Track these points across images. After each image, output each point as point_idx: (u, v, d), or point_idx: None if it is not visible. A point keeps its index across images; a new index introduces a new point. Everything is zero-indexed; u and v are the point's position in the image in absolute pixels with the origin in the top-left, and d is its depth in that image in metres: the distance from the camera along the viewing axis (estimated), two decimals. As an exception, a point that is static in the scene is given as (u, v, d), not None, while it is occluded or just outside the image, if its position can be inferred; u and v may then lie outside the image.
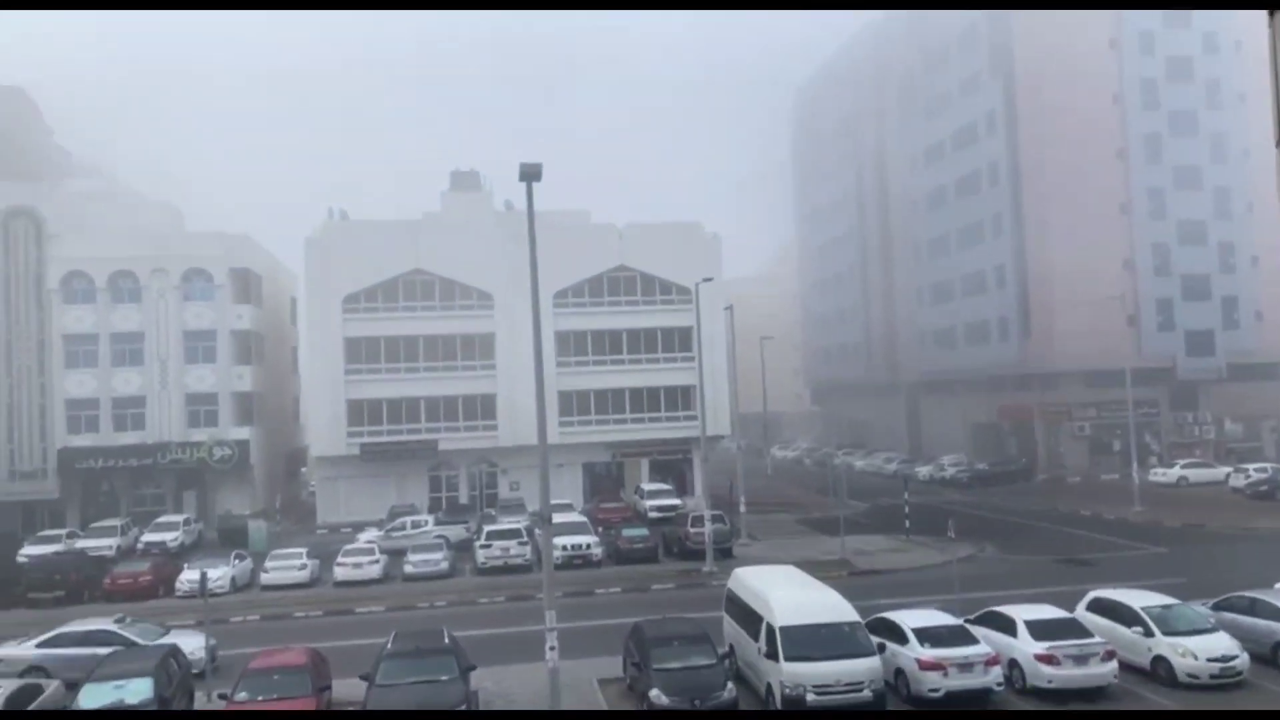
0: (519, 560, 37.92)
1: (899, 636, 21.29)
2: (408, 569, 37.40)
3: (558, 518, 34.93)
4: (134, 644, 23.87)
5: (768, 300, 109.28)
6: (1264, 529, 42.49)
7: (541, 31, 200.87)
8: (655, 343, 58.02)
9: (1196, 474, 58.53)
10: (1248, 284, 66.71)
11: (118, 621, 25.74)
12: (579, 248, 56.40)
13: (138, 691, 19.03)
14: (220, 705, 19.64)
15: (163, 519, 48.27)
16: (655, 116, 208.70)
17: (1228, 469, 57.93)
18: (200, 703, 21.71)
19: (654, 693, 19.53)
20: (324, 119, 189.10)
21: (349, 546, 39.14)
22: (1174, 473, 58.92)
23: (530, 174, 20.07)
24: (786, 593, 21.60)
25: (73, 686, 20.29)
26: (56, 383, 52.57)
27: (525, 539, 38.63)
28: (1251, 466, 56.21)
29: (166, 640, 24.15)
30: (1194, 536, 41.82)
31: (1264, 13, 15.70)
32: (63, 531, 46.07)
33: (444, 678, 19.56)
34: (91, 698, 18.90)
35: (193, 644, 24.00)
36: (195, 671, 22.78)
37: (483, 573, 37.69)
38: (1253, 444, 66.82)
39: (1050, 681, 20.57)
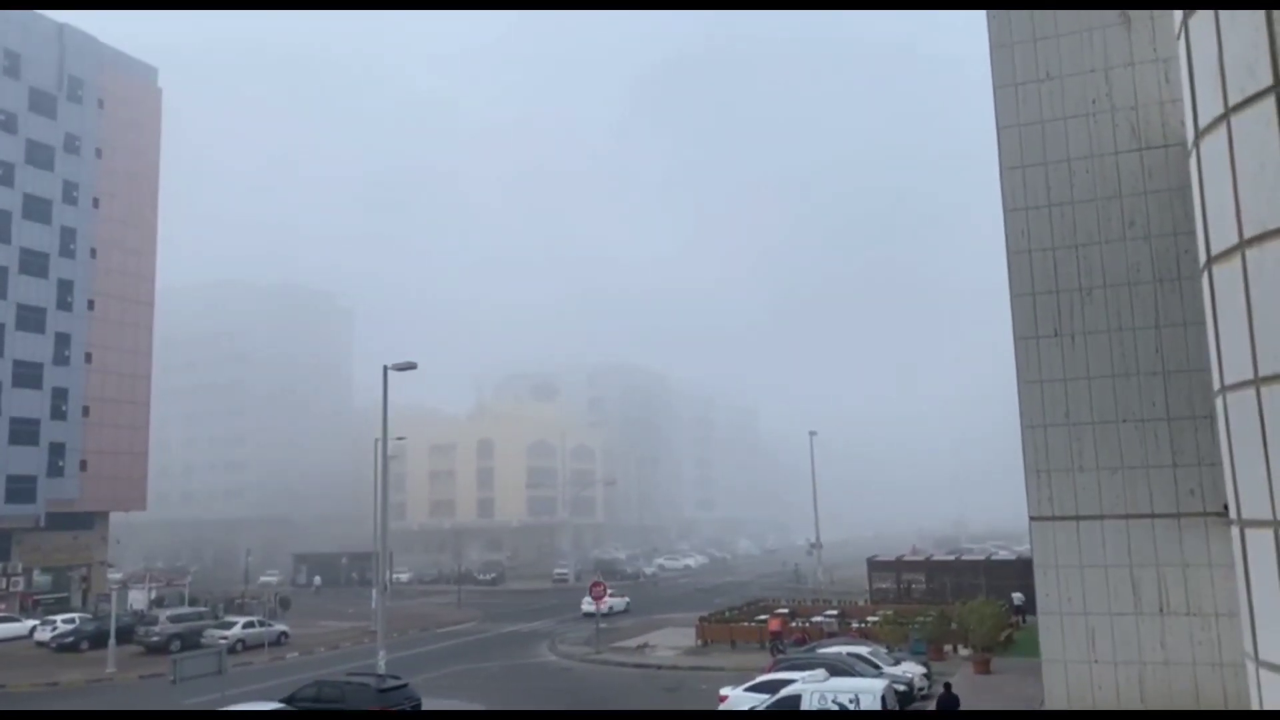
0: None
1: None
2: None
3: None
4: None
5: None
6: (67, 682, 41.55)
7: None
8: None
9: (1, 629, 54.75)
10: (76, 432, 67.22)
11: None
12: None
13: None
14: None
15: None
16: None
17: (34, 622, 55.73)
18: None
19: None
20: None
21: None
22: (-37, 630, 54.10)
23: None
24: None
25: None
26: None
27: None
28: (60, 618, 55.14)
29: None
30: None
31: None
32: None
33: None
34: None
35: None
36: None
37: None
38: (62, 594, 66.00)
39: None
